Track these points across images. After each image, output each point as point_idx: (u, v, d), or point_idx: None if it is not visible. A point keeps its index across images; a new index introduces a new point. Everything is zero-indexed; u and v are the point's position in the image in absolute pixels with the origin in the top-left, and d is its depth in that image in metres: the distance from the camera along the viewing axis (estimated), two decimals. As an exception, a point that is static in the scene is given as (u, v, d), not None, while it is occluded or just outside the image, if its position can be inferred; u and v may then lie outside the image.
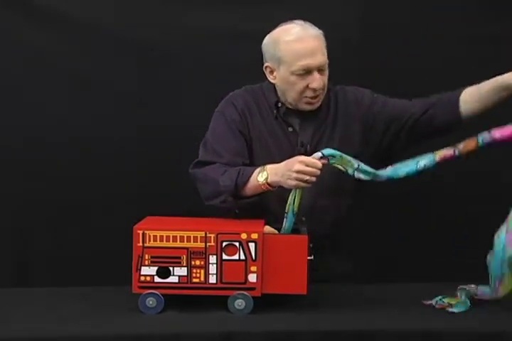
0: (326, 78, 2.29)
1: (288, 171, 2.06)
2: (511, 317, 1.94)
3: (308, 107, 2.32)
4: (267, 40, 2.31)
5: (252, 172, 2.17)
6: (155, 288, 1.94)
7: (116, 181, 2.99)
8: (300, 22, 2.29)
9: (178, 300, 1.95)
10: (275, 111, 2.35)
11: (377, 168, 2.05)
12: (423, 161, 2.03)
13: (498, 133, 2.01)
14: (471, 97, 2.27)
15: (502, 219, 1.96)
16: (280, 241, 1.98)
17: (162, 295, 1.94)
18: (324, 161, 2.04)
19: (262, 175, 2.15)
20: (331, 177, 2.20)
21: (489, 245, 1.94)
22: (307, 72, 2.24)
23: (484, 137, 2.00)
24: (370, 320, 1.94)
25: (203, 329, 1.84)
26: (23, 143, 2.99)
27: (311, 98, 2.29)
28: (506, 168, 2.98)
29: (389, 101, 2.37)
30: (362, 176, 2.04)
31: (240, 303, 1.95)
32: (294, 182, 2.05)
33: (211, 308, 1.95)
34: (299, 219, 2.12)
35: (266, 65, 2.33)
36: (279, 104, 2.36)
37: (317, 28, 2.29)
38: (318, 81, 2.25)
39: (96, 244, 2.95)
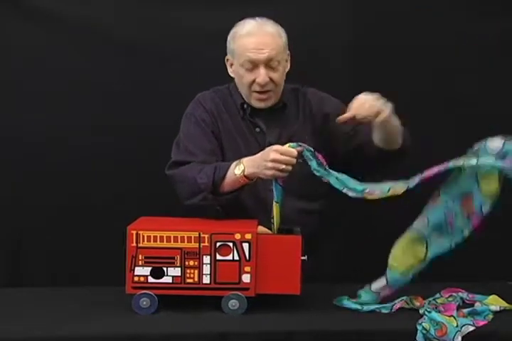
0: (277, 75, 2.30)
1: (264, 161, 2.07)
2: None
3: (259, 104, 2.33)
4: (230, 34, 2.36)
5: (229, 167, 2.18)
6: (149, 288, 1.94)
7: (111, 181, 2.98)
8: (262, 19, 2.33)
9: (172, 301, 1.95)
10: (241, 112, 2.37)
11: None
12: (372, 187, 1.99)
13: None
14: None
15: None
16: (274, 241, 1.98)
17: (156, 295, 1.94)
18: (300, 149, 2.04)
19: (239, 168, 2.15)
20: (301, 179, 2.20)
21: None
22: (254, 66, 2.27)
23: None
24: (365, 320, 1.94)
25: (196, 330, 1.84)
26: (21, 143, 2.98)
27: (259, 93, 2.30)
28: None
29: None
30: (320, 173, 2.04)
31: (233, 304, 1.95)
32: (270, 172, 2.05)
33: (205, 309, 1.96)
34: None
35: (226, 57, 2.38)
36: (245, 105, 2.37)
37: (279, 27, 2.33)
38: (262, 76, 2.27)
39: (89, 244, 2.94)
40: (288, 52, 2.37)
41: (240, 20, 2.37)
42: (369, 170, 2.26)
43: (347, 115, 2.14)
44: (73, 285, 2.78)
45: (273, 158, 2.04)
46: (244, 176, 2.14)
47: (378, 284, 2.03)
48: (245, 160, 2.16)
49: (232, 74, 2.38)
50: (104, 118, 2.98)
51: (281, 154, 2.04)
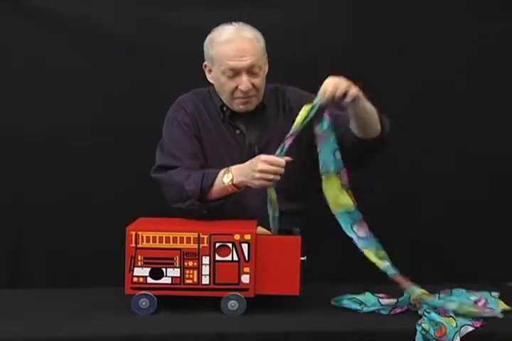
0: (258, 80, 2.29)
1: (252, 171, 2.06)
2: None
3: (241, 108, 2.33)
4: (206, 39, 2.35)
5: (217, 175, 2.17)
6: (148, 289, 1.94)
7: (111, 181, 2.99)
8: (239, 24, 2.32)
9: (171, 301, 1.95)
10: (221, 115, 2.37)
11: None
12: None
13: None
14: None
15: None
16: (273, 242, 1.98)
17: (155, 296, 1.94)
18: (288, 159, 2.04)
19: (228, 177, 2.15)
20: (286, 178, 2.16)
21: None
22: (235, 73, 2.26)
23: None
24: (364, 321, 1.94)
25: (196, 331, 1.84)
26: (21, 143, 2.98)
27: (242, 99, 2.30)
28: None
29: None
30: None
31: (233, 304, 1.95)
32: (258, 182, 2.05)
33: (204, 309, 1.96)
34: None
35: (204, 63, 2.37)
36: (224, 108, 2.37)
37: (256, 31, 2.31)
38: (245, 83, 2.25)
39: (89, 244, 2.94)
40: (266, 55, 2.35)
41: (239, 20, 2.35)
42: (351, 162, 2.16)
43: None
44: (73, 285, 2.80)
45: (261, 168, 2.03)
46: (233, 185, 2.14)
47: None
48: (234, 168, 2.16)
49: (211, 80, 2.37)
50: (104, 118, 2.97)
51: (270, 164, 2.03)
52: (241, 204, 2.23)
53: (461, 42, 2.99)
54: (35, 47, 2.95)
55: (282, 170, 2.03)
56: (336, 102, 2.05)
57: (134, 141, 2.96)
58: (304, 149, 2.21)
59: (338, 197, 2.00)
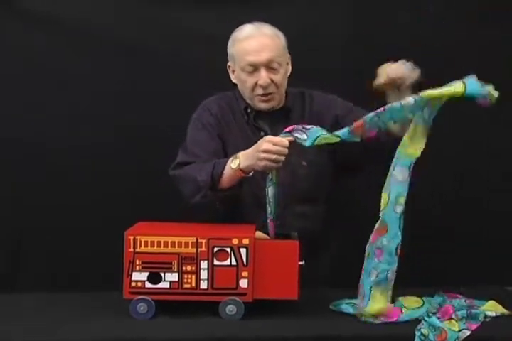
0: (278, 77, 2.30)
1: (256, 152, 2.07)
2: None
3: (263, 105, 2.34)
4: (229, 40, 2.36)
5: (226, 162, 2.19)
6: (146, 293, 1.94)
7: (111, 181, 3.00)
8: (259, 23, 2.33)
9: (169, 306, 1.95)
10: (246, 117, 2.38)
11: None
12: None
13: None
14: None
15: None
16: (271, 246, 1.97)
17: (153, 300, 1.93)
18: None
19: (235, 162, 2.15)
20: (306, 182, 2.27)
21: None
22: (254, 69, 2.27)
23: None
24: (363, 326, 1.93)
25: (194, 335, 1.84)
26: (21, 143, 3.00)
27: (262, 96, 2.31)
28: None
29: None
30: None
31: (231, 309, 1.94)
32: (262, 163, 2.06)
33: (202, 314, 1.95)
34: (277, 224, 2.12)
35: (228, 64, 2.38)
36: (249, 110, 2.37)
37: (277, 30, 2.33)
38: (264, 78, 2.27)
39: (90, 244, 2.95)
40: (289, 55, 2.37)
41: (240, 21, 2.37)
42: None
43: (380, 80, 2.11)
44: (73, 285, 2.87)
45: (264, 148, 2.04)
46: (240, 170, 2.15)
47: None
48: (241, 153, 2.17)
49: (234, 81, 2.38)
50: (104, 118, 2.98)
51: (274, 144, 2.04)
52: (260, 202, 2.20)
53: (461, 42, 2.98)
54: (36, 47, 2.97)
55: (286, 150, 2.04)
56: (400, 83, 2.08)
57: (134, 141, 2.98)
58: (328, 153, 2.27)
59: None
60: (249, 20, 2.35)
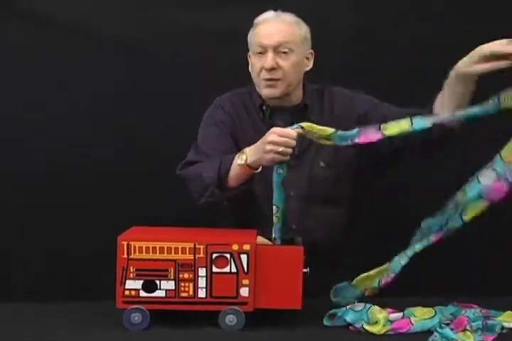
0: (286, 63, 2.23)
1: (262, 144, 1.99)
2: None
3: (265, 91, 2.26)
4: None
5: (233, 159, 2.11)
6: (140, 302, 1.84)
7: (111, 181, 2.98)
8: (282, 11, 2.30)
9: (165, 316, 1.85)
10: (261, 114, 2.30)
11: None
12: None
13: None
14: (442, 106, 2.13)
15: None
16: (274, 252, 1.87)
17: (148, 310, 1.84)
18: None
19: (242, 158, 2.07)
20: (324, 184, 2.20)
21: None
22: (263, 50, 2.22)
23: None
24: (371, 338, 1.84)
25: (191, 347, 1.75)
26: (21, 143, 2.99)
27: (267, 80, 2.23)
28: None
29: (387, 114, 2.22)
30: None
31: (231, 319, 1.84)
32: (269, 156, 1.96)
33: (201, 324, 1.85)
34: (289, 228, 2.04)
35: (248, 53, 2.33)
36: (264, 107, 2.30)
37: (299, 20, 2.28)
38: (269, 61, 2.20)
39: (90, 244, 2.91)
40: (311, 50, 2.32)
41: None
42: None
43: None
44: (73, 285, 2.90)
45: (270, 140, 1.95)
46: (247, 165, 2.06)
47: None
48: (248, 149, 2.09)
49: (250, 69, 2.32)
50: (104, 118, 2.98)
51: (280, 136, 1.95)
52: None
53: (461, 42, 2.90)
54: (35, 47, 2.96)
55: (293, 142, 1.94)
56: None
57: (134, 141, 2.98)
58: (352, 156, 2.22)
59: None
60: (249, 20, 2.33)
